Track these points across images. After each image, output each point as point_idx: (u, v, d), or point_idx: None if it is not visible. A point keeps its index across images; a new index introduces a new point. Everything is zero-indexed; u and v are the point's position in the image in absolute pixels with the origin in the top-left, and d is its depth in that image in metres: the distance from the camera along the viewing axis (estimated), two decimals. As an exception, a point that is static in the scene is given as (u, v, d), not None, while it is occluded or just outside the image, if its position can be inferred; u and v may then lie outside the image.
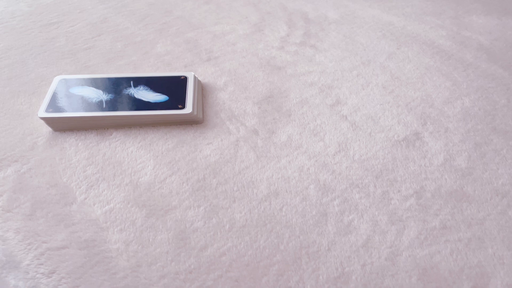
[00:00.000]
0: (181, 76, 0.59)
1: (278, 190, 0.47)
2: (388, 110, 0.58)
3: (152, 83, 0.58)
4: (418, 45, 0.73)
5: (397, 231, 0.44)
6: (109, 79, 0.59)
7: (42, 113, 0.52)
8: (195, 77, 0.59)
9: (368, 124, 0.56)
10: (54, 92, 0.55)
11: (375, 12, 0.83)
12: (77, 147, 0.52)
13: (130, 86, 0.57)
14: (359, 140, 0.54)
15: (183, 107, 0.54)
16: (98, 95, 0.55)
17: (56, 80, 0.58)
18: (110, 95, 0.55)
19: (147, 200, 0.46)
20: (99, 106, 0.53)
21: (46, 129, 0.54)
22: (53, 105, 0.53)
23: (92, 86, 0.57)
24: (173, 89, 0.57)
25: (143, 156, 0.51)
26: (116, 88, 0.57)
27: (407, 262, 0.41)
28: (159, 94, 0.56)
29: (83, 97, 0.55)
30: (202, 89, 0.61)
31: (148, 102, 0.54)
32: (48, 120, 0.52)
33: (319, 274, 0.40)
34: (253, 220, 0.44)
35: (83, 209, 0.45)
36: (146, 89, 0.56)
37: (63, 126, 0.53)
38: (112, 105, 0.54)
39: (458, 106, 0.59)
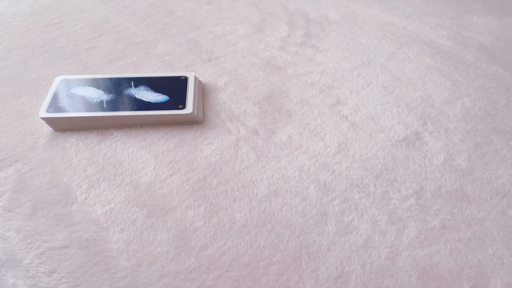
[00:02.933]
0: (182, 77, 0.59)
1: (278, 190, 0.47)
2: (389, 110, 0.58)
3: (153, 83, 0.58)
4: (419, 45, 0.73)
5: (397, 231, 0.44)
6: (110, 79, 0.59)
7: (43, 113, 0.52)
8: (195, 77, 0.60)
9: (368, 124, 0.56)
10: (55, 93, 0.56)
11: (375, 12, 0.83)
12: (78, 147, 0.52)
13: (130, 86, 0.57)
14: (359, 140, 0.54)
15: (184, 107, 0.54)
16: (99, 95, 0.56)
17: (57, 80, 0.58)
18: (111, 95, 0.56)
19: (147, 200, 0.46)
20: (100, 106, 0.54)
21: (47, 129, 0.54)
22: (54, 105, 0.53)
23: (93, 87, 0.57)
24: (173, 89, 0.57)
25: (143, 156, 0.51)
26: (117, 88, 0.57)
27: (406, 262, 0.41)
28: (159, 94, 0.56)
29: (84, 97, 0.55)
30: (202, 89, 0.61)
31: (149, 102, 0.54)
32: (48, 120, 0.52)
33: (319, 274, 0.40)
34: (253, 220, 0.44)
35: (83, 209, 0.45)
36: (147, 89, 0.57)
37: (64, 126, 0.53)
38: (113, 105, 0.54)
39: (459, 106, 0.59)
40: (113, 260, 0.41)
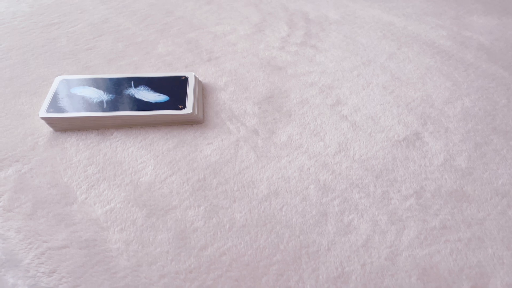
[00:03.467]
0: (182, 77, 0.59)
1: (278, 190, 0.47)
2: (389, 110, 0.58)
3: (153, 83, 0.58)
4: (419, 45, 0.73)
5: (397, 231, 0.44)
6: (110, 79, 0.59)
7: (43, 113, 0.52)
8: (195, 77, 0.60)
9: (368, 124, 0.56)
10: (55, 93, 0.56)
11: (375, 12, 0.83)
12: (78, 147, 0.52)
13: (130, 86, 0.57)
14: (359, 140, 0.54)
15: (184, 107, 0.54)
16: (99, 95, 0.56)
17: (57, 80, 0.58)
18: (111, 95, 0.56)
19: (147, 200, 0.46)
20: (100, 106, 0.54)
21: (47, 129, 0.54)
22: (54, 105, 0.53)
23: (93, 87, 0.57)
24: (173, 89, 0.57)
25: (143, 156, 0.51)
26: (117, 88, 0.57)
27: (407, 262, 0.41)
28: (159, 94, 0.56)
29: (84, 97, 0.55)
30: (202, 89, 0.61)
31: (149, 102, 0.54)
32: (48, 120, 0.52)
33: (319, 274, 0.40)
34: (253, 220, 0.44)
35: (83, 209, 0.45)
36: (147, 89, 0.57)
37: (64, 126, 0.53)
38: (113, 105, 0.54)
39: (459, 106, 0.59)
40: (113, 260, 0.41)
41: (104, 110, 0.53)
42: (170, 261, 0.41)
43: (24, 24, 0.78)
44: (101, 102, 0.54)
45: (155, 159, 0.51)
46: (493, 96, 0.61)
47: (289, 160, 0.51)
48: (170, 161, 0.51)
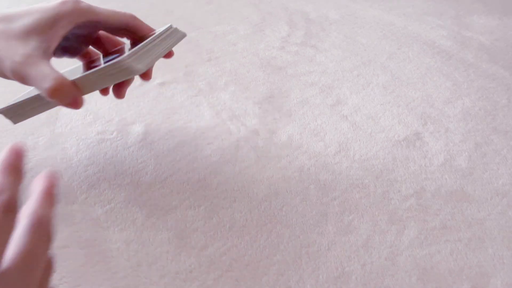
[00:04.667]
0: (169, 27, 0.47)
1: (278, 190, 0.47)
2: (389, 110, 0.58)
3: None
4: (419, 45, 0.73)
5: (397, 231, 0.44)
6: None
7: None
8: (171, 27, 0.46)
9: (368, 124, 0.56)
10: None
11: (376, 12, 0.83)
12: (78, 147, 0.52)
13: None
14: (359, 140, 0.54)
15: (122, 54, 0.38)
16: None
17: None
18: None
19: (147, 200, 0.46)
20: None
21: (47, 129, 0.54)
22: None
23: None
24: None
25: (144, 155, 0.51)
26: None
27: (407, 262, 0.41)
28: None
29: None
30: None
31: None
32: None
33: (319, 274, 0.40)
34: (253, 220, 0.44)
35: (84, 209, 0.45)
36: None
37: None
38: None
39: (459, 106, 0.59)
40: (113, 260, 0.41)
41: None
42: (170, 261, 0.41)
43: (24, 24, 0.78)
44: None
45: (155, 159, 0.51)
46: (494, 96, 0.61)
47: (289, 160, 0.51)
48: (170, 160, 0.51)
